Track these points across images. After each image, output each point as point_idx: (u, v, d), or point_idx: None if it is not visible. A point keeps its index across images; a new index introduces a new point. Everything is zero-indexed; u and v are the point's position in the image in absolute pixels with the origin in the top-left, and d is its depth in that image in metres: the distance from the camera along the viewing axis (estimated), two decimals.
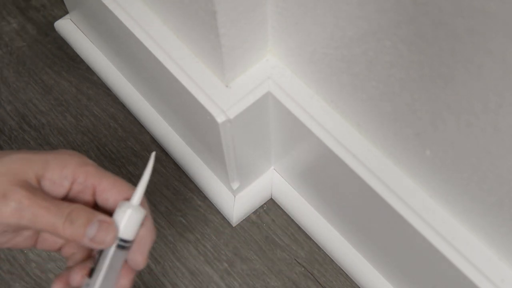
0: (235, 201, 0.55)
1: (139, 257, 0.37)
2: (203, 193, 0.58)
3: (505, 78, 0.27)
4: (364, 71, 0.36)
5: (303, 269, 0.54)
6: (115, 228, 0.36)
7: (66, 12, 0.68)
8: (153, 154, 0.38)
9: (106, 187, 0.38)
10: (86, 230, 0.35)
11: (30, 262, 0.55)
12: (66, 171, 0.37)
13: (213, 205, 0.57)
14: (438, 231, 0.38)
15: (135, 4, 0.48)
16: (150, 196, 0.58)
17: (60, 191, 0.37)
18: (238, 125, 0.44)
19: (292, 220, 0.56)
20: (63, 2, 0.68)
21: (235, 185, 0.52)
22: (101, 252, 0.37)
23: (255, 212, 0.57)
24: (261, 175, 0.55)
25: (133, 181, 0.59)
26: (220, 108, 0.43)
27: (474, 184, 0.34)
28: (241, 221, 0.57)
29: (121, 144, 0.61)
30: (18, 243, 0.38)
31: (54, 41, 0.68)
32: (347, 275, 0.54)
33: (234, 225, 0.56)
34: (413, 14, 0.29)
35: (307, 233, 0.55)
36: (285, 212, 0.57)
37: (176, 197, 0.58)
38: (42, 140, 0.61)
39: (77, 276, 0.37)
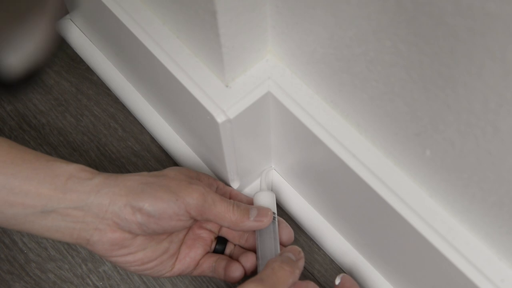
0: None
1: (289, 231, 0.48)
2: None
3: (505, 78, 0.27)
4: (364, 71, 0.36)
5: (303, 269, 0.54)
6: (271, 210, 0.47)
7: (66, 12, 0.68)
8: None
9: (237, 192, 0.51)
10: (250, 212, 0.45)
11: (30, 262, 0.55)
12: (211, 180, 0.49)
13: None
14: (438, 231, 0.38)
15: (135, 4, 0.48)
16: None
17: None
18: (238, 125, 0.44)
19: (292, 220, 0.56)
20: (63, 2, 0.68)
21: (235, 185, 0.52)
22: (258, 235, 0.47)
23: None
24: (261, 175, 0.55)
25: None
26: (220, 108, 0.43)
27: (474, 184, 0.34)
28: None
29: (121, 144, 0.61)
30: (164, 261, 0.45)
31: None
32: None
33: None
34: (413, 14, 0.29)
35: (307, 233, 0.55)
36: (285, 212, 0.57)
37: None
38: (42, 140, 0.61)
39: (250, 257, 0.47)
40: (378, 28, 0.32)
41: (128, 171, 0.59)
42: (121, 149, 0.61)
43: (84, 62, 0.66)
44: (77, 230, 0.41)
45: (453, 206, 0.38)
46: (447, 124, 0.33)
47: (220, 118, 0.42)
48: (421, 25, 0.29)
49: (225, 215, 0.44)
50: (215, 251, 0.49)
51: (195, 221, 0.45)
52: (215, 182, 0.49)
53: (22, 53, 0.20)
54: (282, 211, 0.57)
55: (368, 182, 0.40)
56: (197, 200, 0.43)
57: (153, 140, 0.61)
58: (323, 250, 0.55)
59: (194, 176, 0.47)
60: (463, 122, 0.31)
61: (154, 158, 0.60)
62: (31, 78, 0.22)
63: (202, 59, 0.44)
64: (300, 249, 0.45)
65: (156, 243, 0.44)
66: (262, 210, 0.46)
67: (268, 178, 0.53)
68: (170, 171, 0.46)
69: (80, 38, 0.65)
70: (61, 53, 0.67)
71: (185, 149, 0.58)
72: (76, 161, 0.60)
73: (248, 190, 0.55)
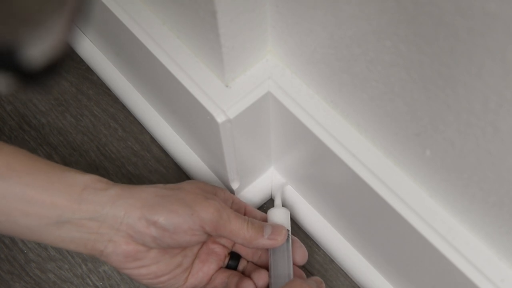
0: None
1: (303, 251, 0.48)
2: None
3: (505, 78, 0.27)
4: (364, 71, 0.36)
5: (303, 269, 0.54)
6: (286, 229, 0.46)
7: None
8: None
9: (252, 208, 0.50)
10: (264, 230, 0.45)
11: (30, 262, 0.55)
12: (227, 194, 0.48)
13: None
14: (438, 231, 0.38)
15: (135, 4, 0.48)
16: None
17: None
18: (238, 125, 0.44)
19: (292, 220, 0.56)
20: None
21: (235, 185, 0.52)
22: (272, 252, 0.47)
23: None
24: (261, 175, 0.55)
25: (133, 181, 0.59)
26: (220, 108, 0.43)
27: (474, 184, 0.34)
28: None
29: (121, 144, 0.61)
30: (177, 275, 0.45)
31: None
32: (347, 275, 0.54)
33: None
34: (413, 14, 0.29)
35: (307, 233, 0.55)
36: None
37: None
38: (42, 140, 0.61)
39: (263, 275, 0.46)
40: (378, 28, 0.32)
41: (128, 171, 0.59)
42: (121, 149, 0.61)
43: (84, 62, 0.66)
44: (91, 241, 0.41)
45: (453, 206, 0.38)
46: (447, 124, 0.33)
47: (220, 118, 0.42)
48: (421, 25, 0.29)
49: (239, 232, 0.43)
50: (228, 267, 0.49)
51: (209, 236, 0.45)
52: (231, 196, 0.49)
53: (44, 45, 0.21)
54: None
55: (368, 182, 0.40)
56: (212, 216, 0.42)
57: (153, 140, 0.61)
58: (323, 250, 0.55)
59: (210, 190, 0.46)
60: (463, 122, 0.31)
61: (154, 158, 0.60)
62: (53, 69, 0.22)
63: (202, 59, 0.44)
64: (322, 281, 0.46)
65: (170, 257, 0.44)
66: (276, 228, 0.46)
67: (283, 194, 0.52)
68: (186, 185, 0.45)
69: (80, 38, 0.65)
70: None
71: (185, 149, 0.58)
72: (76, 161, 0.60)
73: (248, 190, 0.55)
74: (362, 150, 0.41)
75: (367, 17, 0.32)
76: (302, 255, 0.48)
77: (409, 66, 0.32)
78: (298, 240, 0.49)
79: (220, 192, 0.48)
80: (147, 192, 0.43)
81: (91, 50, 0.65)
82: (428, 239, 0.38)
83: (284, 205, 0.56)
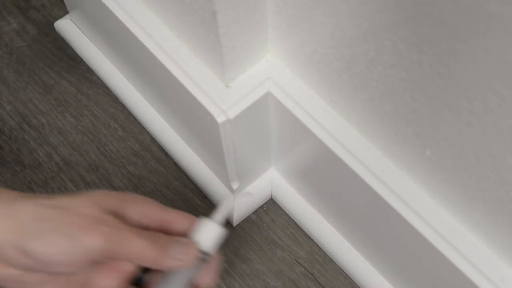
0: (235, 201, 0.55)
1: (211, 276, 0.40)
2: (203, 193, 0.58)
3: (505, 78, 0.27)
4: (364, 71, 0.36)
5: (303, 269, 0.54)
6: (196, 248, 0.38)
7: (66, 12, 0.68)
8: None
9: (175, 215, 0.40)
10: (169, 249, 0.37)
11: None
12: (139, 208, 0.39)
13: (213, 205, 0.57)
14: (438, 231, 0.38)
15: (135, 4, 0.48)
16: (150, 196, 0.58)
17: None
18: (238, 125, 0.44)
19: (292, 220, 0.56)
20: (63, 2, 0.68)
21: (235, 185, 0.52)
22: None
23: (255, 212, 0.57)
24: (261, 175, 0.55)
25: (133, 181, 0.59)
26: (220, 108, 0.43)
27: (474, 184, 0.34)
28: (241, 221, 0.57)
29: (121, 144, 0.61)
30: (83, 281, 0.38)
31: (54, 41, 0.68)
32: (347, 275, 0.54)
33: (234, 225, 0.56)
34: (413, 14, 0.29)
35: (307, 233, 0.55)
36: (285, 212, 0.57)
37: (176, 197, 0.58)
38: (42, 140, 0.61)
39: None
40: (378, 28, 0.32)
41: (128, 171, 0.59)
42: (121, 149, 0.61)
43: (84, 62, 0.66)
44: None
45: (453, 206, 0.38)
46: (447, 124, 0.33)
47: (220, 118, 0.42)
48: (421, 25, 0.29)
49: (139, 254, 0.36)
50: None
51: (105, 259, 0.37)
52: (147, 207, 0.39)
53: None
54: (282, 211, 0.57)
55: (368, 182, 0.40)
56: (100, 243, 0.35)
57: (153, 140, 0.61)
58: (323, 250, 0.55)
59: (111, 205, 0.38)
60: (463, 122, 0.31)
61: (154, 158, 0.60)
62: None
63: (202, 59, 0.44)
64: None
65: (62, 277, 0.38)
66: (183, 249, 0.38)
67: (227, 209, 0.41)
68: (78, 201, 0.37)
69: (80, 38, 0.65)
70: (61, 53, 0.67)
71: (185, 149, 0.58)
72: (76, 161, 0.60)
73: (248, 190, 0.55)
74: (362, 150, 0.41)
75: (367, 17, 0.32)
76: (209, 281, 0.40)
77: (409, 66, 0.32)
78: (215, 266, 0.40)
79: (130, 205, 0.39)
80: (26, 212, 0.36)
81: (91, 50, 0.65)
82: (428, 239, 0.38)
83: (283, 203, 0.56)
